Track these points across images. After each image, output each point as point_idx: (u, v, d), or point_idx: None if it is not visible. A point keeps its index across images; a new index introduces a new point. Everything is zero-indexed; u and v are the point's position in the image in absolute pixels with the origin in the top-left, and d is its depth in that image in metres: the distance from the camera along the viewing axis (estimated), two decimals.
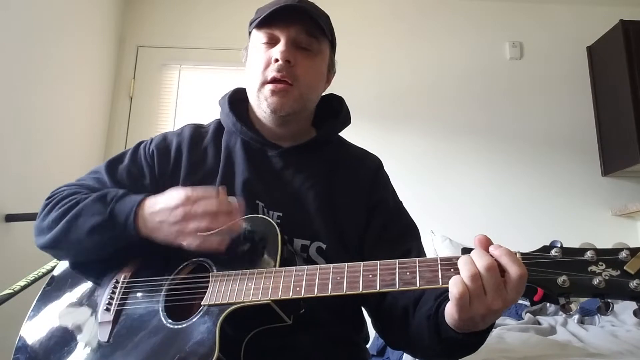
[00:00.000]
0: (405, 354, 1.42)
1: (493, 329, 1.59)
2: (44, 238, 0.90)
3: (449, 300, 0.68)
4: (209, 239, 0.79)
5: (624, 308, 1.82)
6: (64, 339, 0.84)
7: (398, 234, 0.97)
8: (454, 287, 0.63)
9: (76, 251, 0.90)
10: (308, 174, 0.98)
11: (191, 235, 0.79)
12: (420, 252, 0.95)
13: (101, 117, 2.87)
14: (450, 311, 0.67)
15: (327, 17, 1.01)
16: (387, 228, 0.97)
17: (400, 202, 1.05)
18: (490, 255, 0.64)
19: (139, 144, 1.04)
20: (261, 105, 0.95)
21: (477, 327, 0.67)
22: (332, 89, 1.10)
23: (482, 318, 0.64)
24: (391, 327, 0.91)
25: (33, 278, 1.42)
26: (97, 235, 0.85)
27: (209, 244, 0.79)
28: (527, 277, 0.62)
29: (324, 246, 0.92)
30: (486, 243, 0.67)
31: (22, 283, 1.41)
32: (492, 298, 0.62)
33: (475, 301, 0.63)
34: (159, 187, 0.97)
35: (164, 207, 0.81)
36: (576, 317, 1.84)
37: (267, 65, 0.93)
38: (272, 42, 0.95)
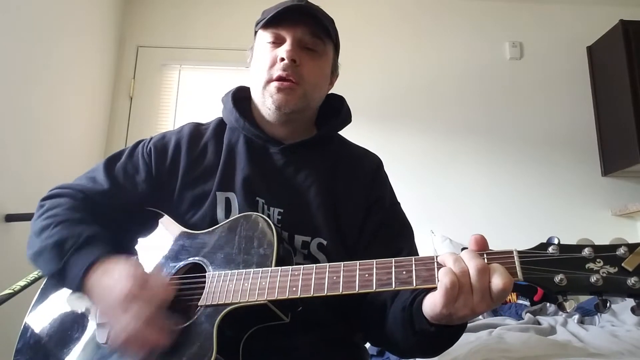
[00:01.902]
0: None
1: (493, 330, 1.60)
2: (28, 253, 0.90)
3: (426, 293, 0.68)
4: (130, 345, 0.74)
5: (623, 308, 1.82)
6: (63, 340, 0.84)
7: (392, 234, 0.97)
8: (445, 276, 0.63)
9: None
10: (309, 171, 0.98)
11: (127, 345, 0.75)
12: (411, 253, 0.95)
13: (101, 117, 2.87)
14: (433, 301, 0.66)
15: (332, 21, 1.02)
16: (382, 227, 0.97)
17: (397, 203, 1.05)
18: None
19: (138, 142, 1.05)
20: (266, 102, 0.96)
21: (452, 322, 0.67)
22: (332, 88, 1.10)
23: (462, 318, 0.64)
24: (371, 323, 0.90)
25: (33, 278, 1.42)
26: (53, 279, 0.87)
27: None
28: (511, 289, 0.61)
29: (324, 242, 0.93)
30: (482, 242, 0.67)
31: (22, 283, 1.41)
32: (479, 300, 0.62)
33: (461, 298, 0.62)
34: (155, 184, 0.98)
35: (112, 292, 0.75)
36: (576, 317, 1.83)
37: (273, 64, 0.94)
38: (278, 42, 0.96)
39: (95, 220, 0.90)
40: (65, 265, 0.81)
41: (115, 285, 0.76)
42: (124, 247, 0.93)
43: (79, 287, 0.80)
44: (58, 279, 0.84)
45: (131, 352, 0.74)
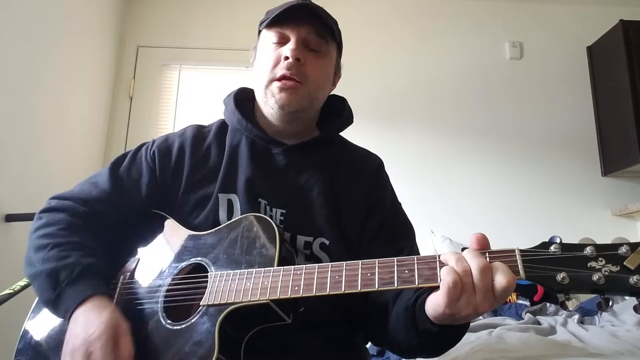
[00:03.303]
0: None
1: (493, 330, 1.60)
2: (24, 273, 0.89)
3: (429, 293, 0.68)
4: None
5: (623, 308, 1.82)
6: (64, 340, 0.84)
7: (392, 234, 0.97)
8: (447, 275, 0.63)
9: None
10: (311, 171, 0.98)
11: None
12: (412, 253, 0.94)
13: (101, 117, 2.87)
14: (436, 300, 0.66)
15: (336, 22, 1.02)
16: (383, 227, 0.97)
17: (398, 203, 1.06)
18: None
19: (142, 145, 1.04)
20: (269, 102, 0.96)
21: (455, 321, 0.67)
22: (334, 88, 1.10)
23: (465, 317, 0.64)
24: (372, 322, 0.90)
25: None
26: (45, 306, 0.85)
27: None
28: (514, 287, 0.61)
29: (327, 242, 0.93)
30: (483, 242, 0.67)
31: (22, 283, 1.40)
32: (482, 298, 0.62)
33: (464, 297, 0.62)
34: (159, 187, 0.97)
35: (87, 335, 0.74)
36: (576, 317, 1.84)
37: (277, 63, 0.94)
38: (282, 41, 0.96)
39: (95, 237, 0.89)
40: (57, 297, 0.80)
41: (88, 329, 0.75)
42: (126, 249, 0.93)
43: (68, 320, 0.79)
44: (50, 307, 0.83)
45: None
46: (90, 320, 0.76)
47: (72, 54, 2.49)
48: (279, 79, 0.93)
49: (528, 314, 1.89)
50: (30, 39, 2.14)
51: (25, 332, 0.88)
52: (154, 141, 1.04)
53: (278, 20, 0.95)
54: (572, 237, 0.67)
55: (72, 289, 0.80)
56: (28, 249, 0.88)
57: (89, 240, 0.88)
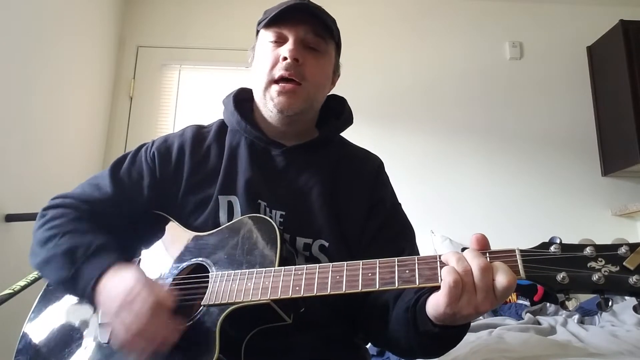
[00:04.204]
0: None
1: (493, 330, 1.60)
2: (32, 262, 0.90)
3: (429, 294, 0.68)
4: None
5: (623, 308, 1.82)
6: (65, 340, 0.84)
7: (393, 235, 0.97)
8: (448, 275, 0.63)
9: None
10: (311, 172, 0.98)
11: (129, 346, 0.75)
12: (412, 253, 0.94)
13: (101, 117, 2.87)
14: (436, 300, 0.66)
15: (335, 21, 1.02)
16: (383, 228, 0.97)
17: (398, 204, 1.05)
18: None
19: (141, 146, 1.04)
20: (267, 104, 0.96)
21: (456, 322, 0.67)
22: (333, 88, 1.09)
23: (465, 317, 0.64)
24: (373, 322, 0.90)
25: (33, 278, 1.42)
26: (61, 286, 0.87)
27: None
28: (515, 286, 0.62)
29: (326, 244, 0.93)
30: (483, 242, 0.67)
31: (22, 283, 1.41)
32: (483, 298, 0.62)
33: (465, 296, 0.62)
34: (160, 188, 0.97)
35: (120, 300, 0.76)
36: (576, 317, 1.84)
37: (275, 64, 0.94)
38: (280, 41, 0.95)
39: (101, 230, 0.90)
40: (76, 273, 0.81)
41: (122, 287, 0.76)
42: (129, 249, 0.93)
43: (90, 294, 0.80)
44: (67, 286, 0.84)
45: (138, 349, 0.74)
46: (118, 282, 0.78)
47: (72, 54, 2.49)
48: (278, 81, 0.93)
49: (528, 314, 1.89)
50: (30, 39, 2.14)
51: (26, 333, 0.88)
52: (153, 142, 1.04)
53: (276, 20, 0.95)
54: (571, 237, 0.68)
55: (91, 264, 0.82)
56: (34, 244, 0.89)
57: (97, 229, 0.90)
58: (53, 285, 0.91)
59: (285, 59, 0.92)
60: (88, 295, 0.80)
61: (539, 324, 1.78)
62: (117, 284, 0.78)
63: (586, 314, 1.86)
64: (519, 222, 2.80)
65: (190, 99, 2.99)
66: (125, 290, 0.75)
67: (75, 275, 0.81)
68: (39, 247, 0.88)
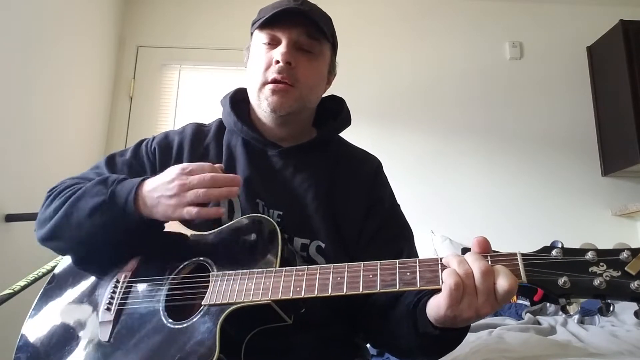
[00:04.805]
0: None
1: (493, 330, 1.60)
2: (45, 228, 0.89)
3: (430, 295, 0.68)
4: (206, 209, 0.80)
5: (624, 308, 1.82)
6: (65, 338, 0.84)
7: (391, 235, 0.98)
8: (449, 277, 0.63)
9: (76, 239, 0.88)
10: (308, 173, 0.98)
11: (188, 205, 0.79)
12: (411, 254, 0.95)
13: (101, 117, 2.87)
14: (437, 302, 0.66)
15: (329, 19, 1.01)
16: (381, 229, 0.97)
17: (397, 204, 1.05)
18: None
19: (141, 141, 1.05)
20: (261, 105, 0.96)
21: (456, 324, 0.67)
22: (332, 88, 1.09)
23: (466, 320, 0.65)
24: (373, 324, 0.91)
25: (33, 278, 1.42)
26: (98, 216, 0.84)
27: (206, 213, 0.80)
28: (516, 290, 0.62)
29: (323, 245, 0.93)
30: (485, 245, 0.67)
31: (22, 283, 1.41)
32: (483, 301, 0.62)
33: (465, 299, 0.63)
34: None
35: (160, 183, 0.82)
36: (576, 317, 1.84)
37: (268, 67, 0.94)
38: (273, 43, 0.95)
39: None
40: (112, 193, 0.83)
41: (164, 175, 0.82)
42: (128, 247, 0.93)
43: (133, 200, 0.82)
44: (105, 208, 0.84)
45: (208, 215, 0.81)
46: (157, 177, 0.83)
47: (72, 53, 2.49)
48: (271, 83, 0.93)
49: (528, 314, 1.89)
50: (30, 39, 2.14)
51: (25, 331, 0.88)
52: (154, 137, 1.05)
53: (270, 22, 0.95)
54: (571, 237, 0.68)
55: (124, 182, 0.85)
56: (44, 219, 0.90)
57: None
58: (84, 219, 0.86)
59: (277, 62, 0.92)
60: (130, 205, 0.82)
61: (539, 324, 1.78)
62: (157, 178, 0.83)
63: (586, 313, 1.86)
64: (519, 222, 2.81)
65: (190, 99, 2.99)
66: (168, 172, 0.82)
67: (112, 195, 0.83)
68: (54, 212, 0.88)
